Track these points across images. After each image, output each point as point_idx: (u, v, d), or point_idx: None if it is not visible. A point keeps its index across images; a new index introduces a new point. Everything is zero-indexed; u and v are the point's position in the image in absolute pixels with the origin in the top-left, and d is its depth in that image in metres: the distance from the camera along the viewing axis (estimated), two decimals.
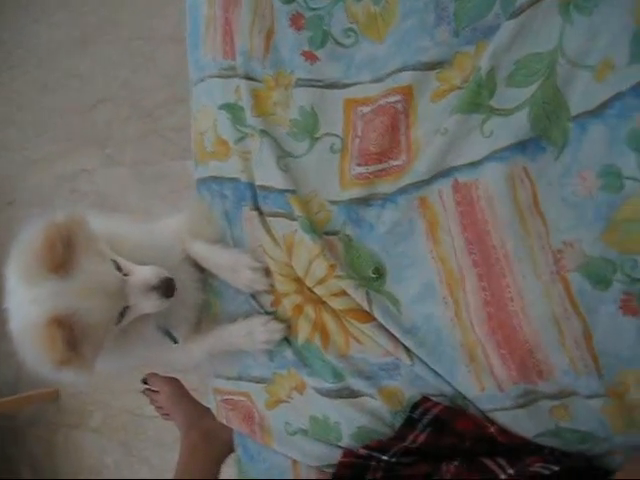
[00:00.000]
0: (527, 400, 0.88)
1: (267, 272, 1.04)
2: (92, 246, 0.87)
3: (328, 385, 1.01)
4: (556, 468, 0.80)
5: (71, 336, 0.79)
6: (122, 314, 0.89)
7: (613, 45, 0.81)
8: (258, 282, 1.03)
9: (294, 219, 1.01)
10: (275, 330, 1.03)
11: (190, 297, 1.06)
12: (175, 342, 1.01)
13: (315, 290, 0.99)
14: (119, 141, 2.54)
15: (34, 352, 0.82)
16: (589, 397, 0.85)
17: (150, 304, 0.90)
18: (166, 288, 0.90)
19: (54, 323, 0.78)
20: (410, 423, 0.95)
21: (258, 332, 1.03)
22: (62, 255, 0.81)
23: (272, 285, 1.04)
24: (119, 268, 0.89)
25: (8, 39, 2.83)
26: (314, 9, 1.05)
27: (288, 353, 1.05)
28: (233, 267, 1.04)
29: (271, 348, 1.05)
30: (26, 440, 2.68)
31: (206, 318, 1.11)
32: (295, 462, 1.07)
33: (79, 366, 0.81)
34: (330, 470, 1.01)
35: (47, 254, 0.80)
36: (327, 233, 1.00)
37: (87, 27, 2.66)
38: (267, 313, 1.05)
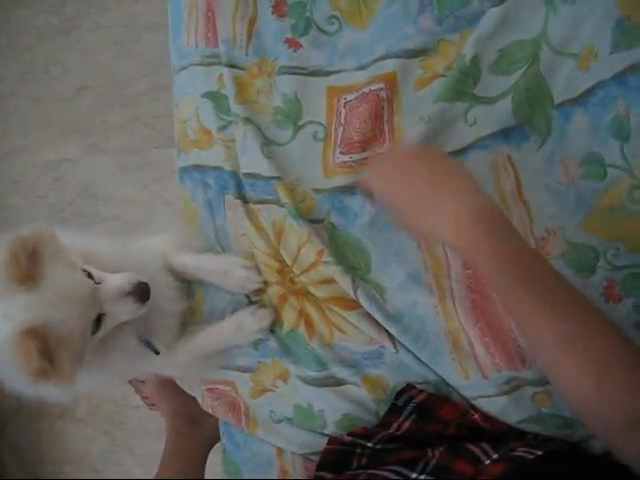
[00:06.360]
0: (510, 387, 0.89)
1: (259, 271, 1.03)
2: (61, 257, 0.85)
3: (312, 374, 1.01)
4: (539, 452, 0.80)
5: (45, 346, 0.77)
6: (98, 323, 0.87)
7: (596, 34, 0.82)
8: (251, 280, 1.02)
9: (282, 206, 1.00)
10: (264, 316, 1.02)
11: (170, 306, 1.04)
12: (157, 353, 0.99)
13: (301, 278, 0.99)
14: (102, 129, 2.50)
15: (10, 368, 0.79)
16: None
17: (126, 310, 0.89)
18: (141, 292, 0.88)
19: (27, 334, 0.77)
20: (394, 410, 0.95)
21: (248, 323, 1.02)
22: (27, 267, 0.79)
23: (265, 282, 1.03)
24: (91, 277, 0.87)
25: None
26: None
27: (272, 342, 1.04)
28: (224, 269, 1.03)
29: (263, 337, 1.04)
30: (10, 430, 2.67)
31: (191, 324, 1.10)
32: (280, 450, 1.07)
33: (58, 378, 0.79)
34: (315, 458, 1.01)
35: (12, 267, 0.78)
36: (312, 221, 1.00)
37: (68, 14, 2.63)
38: (252, 302, 1.05)
